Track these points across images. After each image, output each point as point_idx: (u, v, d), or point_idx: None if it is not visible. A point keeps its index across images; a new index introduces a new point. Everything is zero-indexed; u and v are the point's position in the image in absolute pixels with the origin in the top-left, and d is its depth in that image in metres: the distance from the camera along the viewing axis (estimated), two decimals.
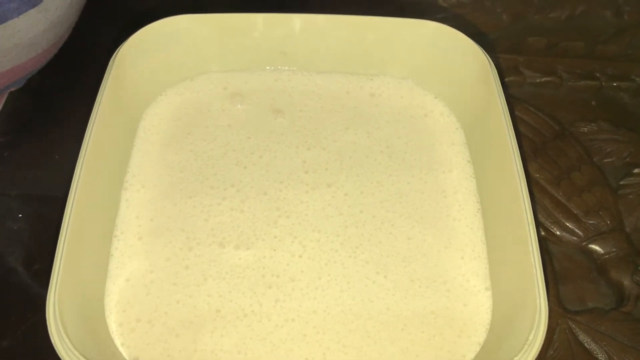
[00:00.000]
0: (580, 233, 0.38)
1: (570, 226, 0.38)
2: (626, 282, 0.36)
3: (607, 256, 0.37)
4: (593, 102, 0.45)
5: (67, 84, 0.44)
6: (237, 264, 0.34)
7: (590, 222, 0.38)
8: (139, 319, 0.32)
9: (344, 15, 0.40)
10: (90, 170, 0.32)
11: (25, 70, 0.40)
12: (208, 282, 0.33)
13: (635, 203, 0.39)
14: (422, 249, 0.35)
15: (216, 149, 0.39)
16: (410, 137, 0.40)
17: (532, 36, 0.48)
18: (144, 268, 0.34)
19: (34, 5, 0.35)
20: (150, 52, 0.39)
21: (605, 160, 0.42)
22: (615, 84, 0.46)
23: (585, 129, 0.43)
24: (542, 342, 0.28)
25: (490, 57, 0.38)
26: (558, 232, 0.38)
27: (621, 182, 0.40)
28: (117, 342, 0.31)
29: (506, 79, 0.46)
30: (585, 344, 0.34)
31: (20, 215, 0.37)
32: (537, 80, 0.46)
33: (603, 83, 0.46)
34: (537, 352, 0.28)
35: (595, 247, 0.37)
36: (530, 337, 0.28)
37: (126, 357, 0.31)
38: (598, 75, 0.46)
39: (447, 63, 0.40)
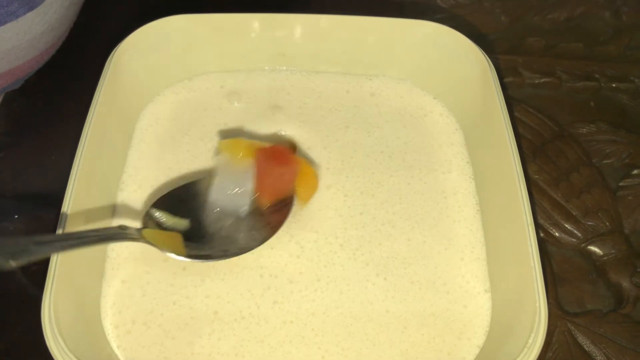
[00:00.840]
0: (579, 234, 0.38)
1: (569, 227, 0.38)
2: (625, 283, 0.36)
3: (605, 258, 0.37)
4: (592, 103, 0.45)
5: (64, 84, 0.43)
6: (236, 263, 0.34)
7: (589, 223, 0.38)
8: (135, 320, 0.32)
9: (343, 15, 0.40)
10: (86, 171, 0.32)
11: (23, 71, 0.39)
12: (206, 283, 0.33)
13: (634, 204, 0.39)
14: (422, 251, 0.35)
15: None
16: (410, 137, 0.40)
17: (531, 37, 0.48)
18: (141, 269, 0.34)
19: (32, 8, 0.35)
20: (147, 52, 0.39)
21: (604, 162, 0.41)
22: (614, 85, 0.46)
23: (584, 130, 0.43)
24: (542, 345, 0.28)
25: (489, 58, 0.38)
26: (557, 234, 0.38)
27: (620, 184, 0.40)
28: (113, 344, 0.31)
29: (505, 80, 0.46)
30: (584, 346, 0.34)
31: (16, 216, 0.37)
32: (536, 81, 0.46)
33: (602, 84, 0.46)
34: (537, 355, 0.28)
35: (594, 248, 0.37)
36: (530, 341, 0.28)
37: (122, 359, 0.31)
38: (597, 76, 0.46)
39: (446, 64, 0.40)
